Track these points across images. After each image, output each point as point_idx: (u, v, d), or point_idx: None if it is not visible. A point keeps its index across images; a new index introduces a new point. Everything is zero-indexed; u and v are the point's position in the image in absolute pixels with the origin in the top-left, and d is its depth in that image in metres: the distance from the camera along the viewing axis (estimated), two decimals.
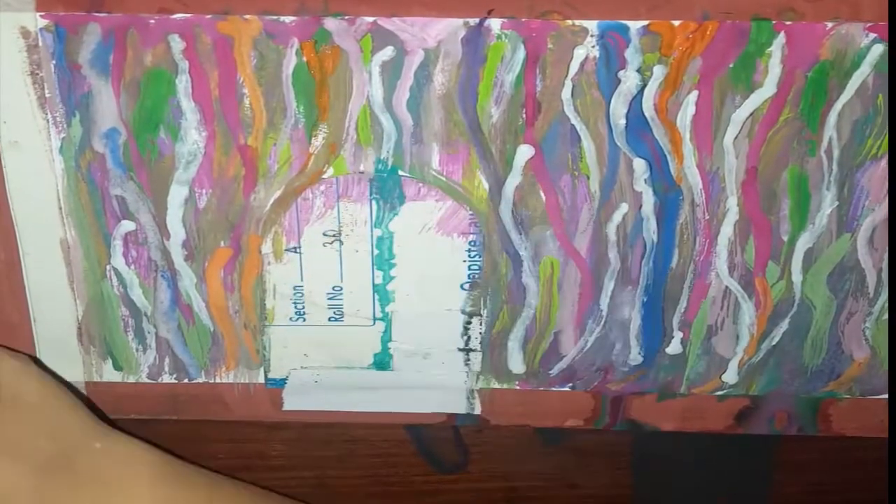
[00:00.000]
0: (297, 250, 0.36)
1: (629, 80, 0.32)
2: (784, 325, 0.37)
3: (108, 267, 0.36)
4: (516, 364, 0.38)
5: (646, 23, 0.32)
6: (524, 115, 0.33)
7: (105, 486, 0.31)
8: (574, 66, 0.32)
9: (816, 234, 0.35)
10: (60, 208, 0.35)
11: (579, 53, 0.32)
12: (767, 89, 0.32)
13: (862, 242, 0.35)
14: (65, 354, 0.38)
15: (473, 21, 0.32)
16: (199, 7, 0.32)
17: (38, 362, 0.36)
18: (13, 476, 0.30)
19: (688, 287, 0.36)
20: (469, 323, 0.37)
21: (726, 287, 0.36)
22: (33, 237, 0.36)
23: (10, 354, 0.33)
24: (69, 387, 0.35)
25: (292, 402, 0.39)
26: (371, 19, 0.32)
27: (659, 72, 0.32)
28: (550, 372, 0.38)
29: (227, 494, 0.34)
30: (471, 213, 0.35)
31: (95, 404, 0.38)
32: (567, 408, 0.39)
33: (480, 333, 0.37)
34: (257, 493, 0.36)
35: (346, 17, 0.32)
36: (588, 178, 0.34)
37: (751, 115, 0.33)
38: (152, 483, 0.32)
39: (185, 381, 0.38)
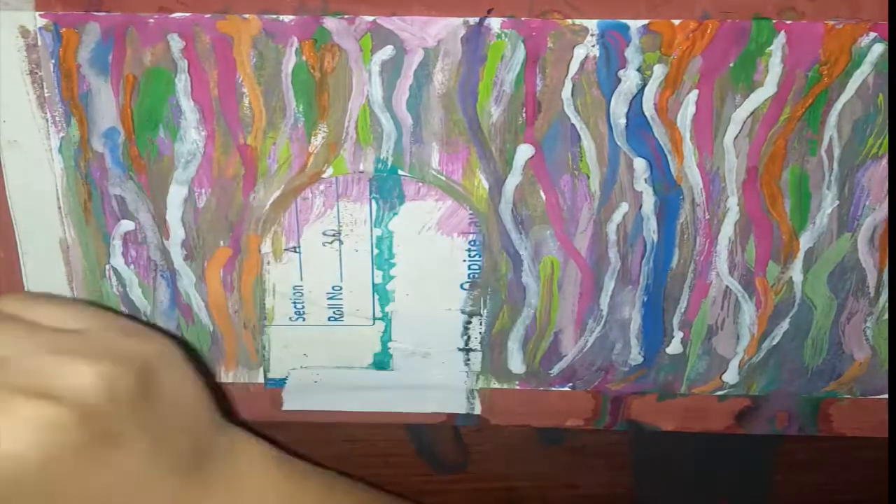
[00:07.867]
0: (297, 250, 0.36)
1: (629, 79, 0.32)
2: (784, 325, 0.37)
3: (107, 266, 0.36)
4: (516, 364, 0.38)
5: (646, 22, 0.31)
6: (524, 115, 0.33)
7: (235, 487, 0.30)
8: (574, 66, 0.32)
9: (817, 233, 0.35)
10: (59, 208, 0.35)
11: (579, 52, 0.32)
12: (768, 88, 0.32)
13: (862, 242, 0.35)
14: None
15: (473, 20, 0.32)
16: (198, 6, 0.32)
17: (183, 343, 0.34)
18: (154, 478, 0.28)
19: (688, 287, 0.36)
20: (469, 323, 0.37)
21: (727, 287, 0.36)
22: (32, 237, 0.35)
23: (157, 340, 0.29)
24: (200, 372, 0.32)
25: (292, 401, 0.39)
26: (371, 18, 0.32)
27: (659, 71, 0.32)
28: (550, 372, 0.38)
29: (345, 491, 0.33)
30: (470, 212, 0.35)
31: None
32: (567, 408, 0.39)
33: (480, 333, 0.37)
34: (371, 491, 0.35)
35: (346, 17, 0.32)
36: (588, 177, 0.34)
37: (751, 114, 0.33)
38: (277, 483, 0.31)
39: None
